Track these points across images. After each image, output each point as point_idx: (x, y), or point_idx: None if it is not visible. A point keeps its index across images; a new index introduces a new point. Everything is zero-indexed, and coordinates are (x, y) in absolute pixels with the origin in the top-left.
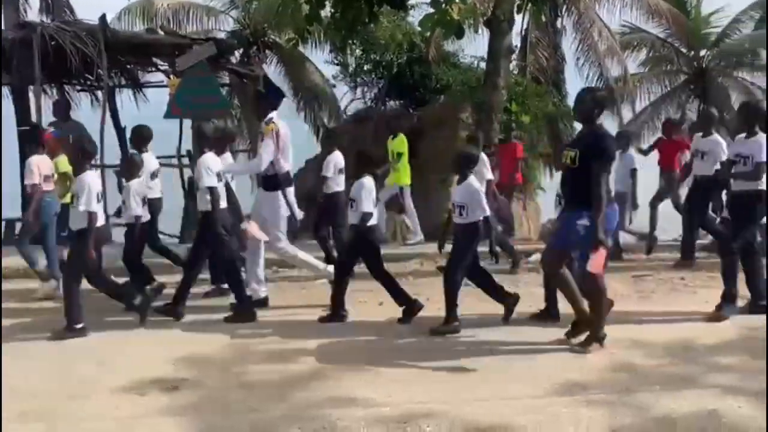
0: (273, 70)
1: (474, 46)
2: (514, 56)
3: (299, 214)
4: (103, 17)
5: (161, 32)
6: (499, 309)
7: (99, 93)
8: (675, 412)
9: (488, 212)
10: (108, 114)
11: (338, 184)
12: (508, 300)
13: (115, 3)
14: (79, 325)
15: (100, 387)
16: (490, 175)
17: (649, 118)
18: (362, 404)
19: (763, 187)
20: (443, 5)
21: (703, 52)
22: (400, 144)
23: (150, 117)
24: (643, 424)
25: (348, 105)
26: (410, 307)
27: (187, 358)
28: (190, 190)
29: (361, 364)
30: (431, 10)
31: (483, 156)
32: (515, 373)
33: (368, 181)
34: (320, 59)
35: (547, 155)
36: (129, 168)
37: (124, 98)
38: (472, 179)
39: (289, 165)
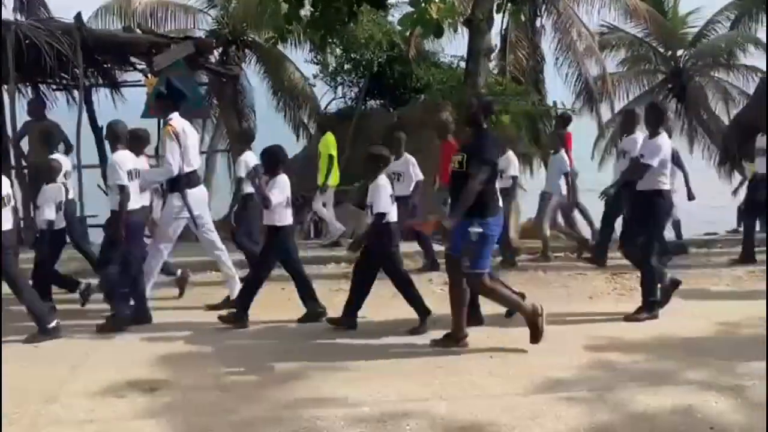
0: (252, 70)
1: (454, 46)
2: (493, 56)
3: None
4: (78, 15)
5: (138, 31)
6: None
7: (75, 92)
8: (652, 408)
9: (385, 210)
10: (85, 113)
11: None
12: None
13: (91, 1)
14: (51, 324)
15: (77, 390)
16: (420, 176)
17: None
18: (342, 404)
19: (662, 186)
20: (422, 4)
21: (680, 52)
22: (326, 144)
23: (127, 117)
24: (622, 420)
25: (328, 104)
26: (424, 313)
27: (165, 359)
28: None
29: (341, 364)
30: (411, 9)
31: (410, 157)
32: (495, 370)
33: (383, 180)
34: (300, 58)
35: (525, 155)
36: (48, 172)
37: (102, 97)
38: (381, 179)
39: (193, 165)
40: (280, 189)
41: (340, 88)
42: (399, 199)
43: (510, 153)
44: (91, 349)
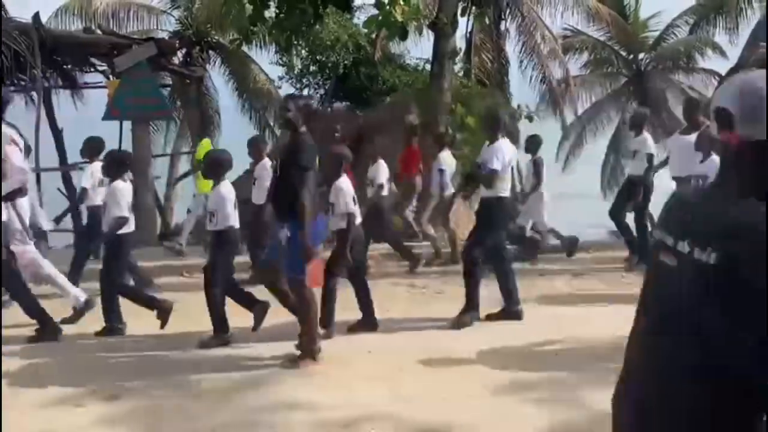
0: (217, 71)
1: (420, 48)
2: (459, 58)
3: (44, 223)
4: (36, 15)
5: (99, 32)
6: (443, 311)
7: (34, 93)
8: None
9: (233, 223)
10: (44, 115)
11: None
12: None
13: (50, 1)
14: None
15: (35, 399)
16: (381, 180)
17: (591, 119)
18: (306, 408)
19: (503, 193)
20: (387, 7)
21: (641, 55)
22: (201, 150)
23: (88, 119)
24: (589, 420)
25: None
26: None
27: (127, 366)
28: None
29: (306, 369)
30: (376, 12)
31: (382, 163)
32: (458, 372)
33: (343, 182)
34: (265, 60)
35: None
36: None
37: (62, 99)
38: (223, 185)
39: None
40: (117, 198)
41: (305, 90)
42: None
43: (381, 161)
44: (52, 357)
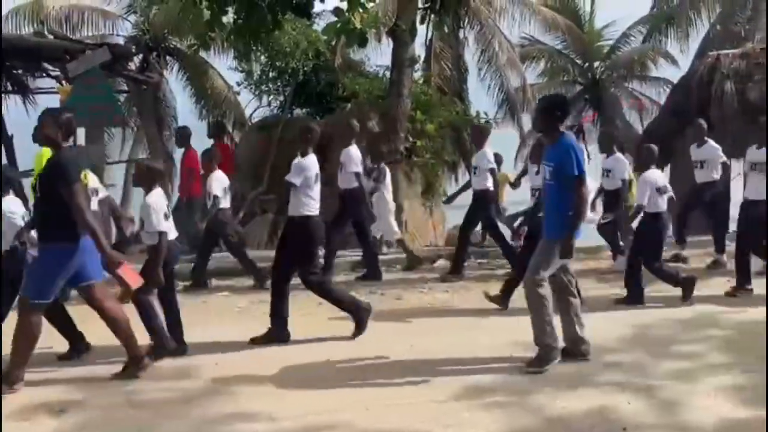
0: (175, 77)
1: (380, 55)
2: (418, 66)
3: None
4: None
5: (51, 36)
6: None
7: None
8: (568, 410)
9: (162, 228)
10: None
11: None
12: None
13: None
14: None
15: None
16: (215, 192)
17: None
18: (261, 418)
19: (309, 212)
20: (346, 14)
21: (596, 64)
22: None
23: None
24: (539, 424)
25: (253, 112)
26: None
27: (78, 379)
28: None
29: (259, 378)
30: (336, 19)
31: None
32: (417, 379)
33: (152, 197)
34: (224, 66)
35: (453, 163)
36: None
37: (12, 105)
38: (151, 194)
39: None
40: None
41: (265, 96)
42: None
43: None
44: None
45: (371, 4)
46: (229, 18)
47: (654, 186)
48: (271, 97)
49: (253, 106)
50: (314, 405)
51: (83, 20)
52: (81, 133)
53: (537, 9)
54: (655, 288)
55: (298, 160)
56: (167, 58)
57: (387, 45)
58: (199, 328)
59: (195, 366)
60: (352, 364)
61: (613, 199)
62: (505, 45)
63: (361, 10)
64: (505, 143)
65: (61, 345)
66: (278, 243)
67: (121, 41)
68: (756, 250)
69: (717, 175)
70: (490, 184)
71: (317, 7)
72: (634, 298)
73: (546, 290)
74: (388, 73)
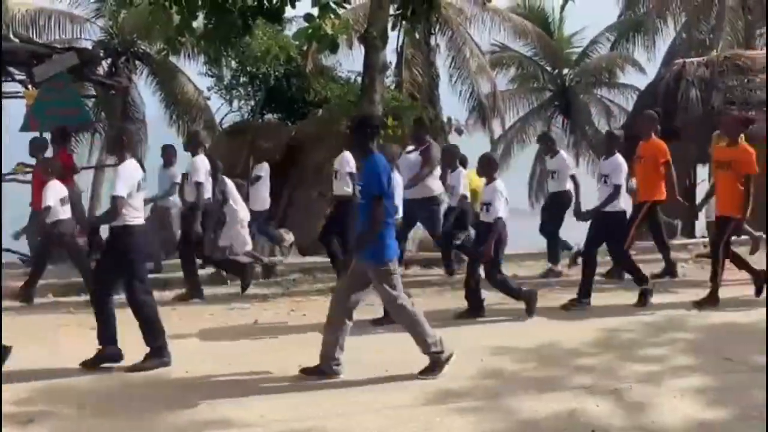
0: (144, 82)
1: (351, 61)
2: (390, 72)
3: None
4: None
5: (16, 39)
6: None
7: None
8: (539, 414)
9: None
10: None
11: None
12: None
13: None
14: None
15: None
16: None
17: (518, 133)
18: (234, 425)
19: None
20: (317, 20)
21: (565, 71)
22: None
23: (5, 129)
24: (510, 427)
25: (224, 118)
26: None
27: (46, 389)
28: None
29: (230, 386)
30: (306, 24)
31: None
32: (388, 384)
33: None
34: (194, 71)
35: None
36: None
37: None
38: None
39: None
40: None
41: (236, 101)
42: None
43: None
44: None
45: (342, 11)
46: (199, 23)
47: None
48: (242, 102)
49: (224, 112)
50: (286, 412)
51: (50, 24)
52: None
53: (507, 16)
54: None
55: (118, 168)
56: (136, 62)
57: (358, 51)
58: None
59: (166, 374)
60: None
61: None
62: (475, 52)
63: (332, 16)
64: (476, 148)
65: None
66: (99, 256)
67: (89, 45)
68: (618, 261)
69: (568, 185)
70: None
71: (288, 12)
72: (475, 310)
73: (407, 305)
74: (359, 79)
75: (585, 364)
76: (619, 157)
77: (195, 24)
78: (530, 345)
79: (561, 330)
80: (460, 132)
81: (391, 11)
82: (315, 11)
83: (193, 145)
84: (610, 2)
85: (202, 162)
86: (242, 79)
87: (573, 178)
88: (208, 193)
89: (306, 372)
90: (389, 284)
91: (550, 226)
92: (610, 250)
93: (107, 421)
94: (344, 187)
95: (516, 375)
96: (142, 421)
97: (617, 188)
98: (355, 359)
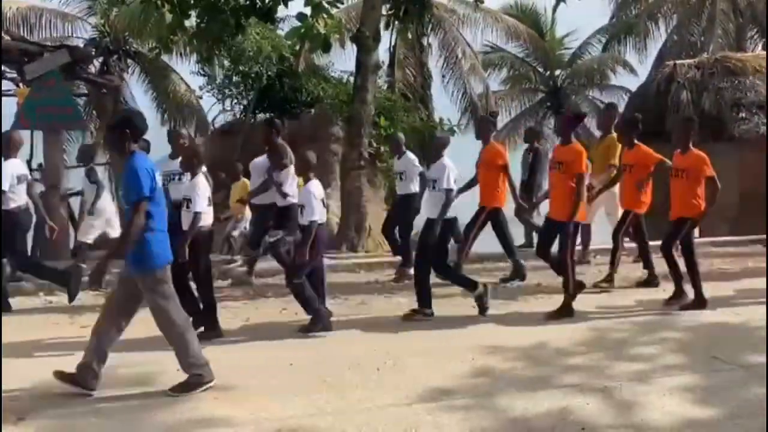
0: (136, 81)
1: (344, 61)
2: (382, 72)
3: None
4: None
5: (7, 37)
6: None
7: None
8: (529, 412)
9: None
10: None
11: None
12: None
13: None
14: None
15: None
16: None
17: (510, 133)
18: (224, 424)
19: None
20: (309, 19)
21: (557, 72)
22: None
23: None
24: (500, 426)
25: (216, 117)
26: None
27: (37, 386)
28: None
29: (221, 385)
30: (299, 23)
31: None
32: (380, 383)
33: None
34: (186, 70)
35: None
36: None
37: None
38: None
39: None
40: None
41: (228, 100)
42: None
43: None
44: None
45: (335, 10)
46: (191, 22)
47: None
48: (234, 101)
49: (216, 111)
50: (276, 411)
51: (42, 22)
52: (39, 136)
53: (499, 17)
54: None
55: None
56: (128, 61)
57: (351, 50)
58: None
59: (157, 373)
60: (314, 369)
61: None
62: (468, 52)
63: (325, 16)
64: (468, 149)
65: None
66: None
67: (80, 43)
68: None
69: (416, 187)
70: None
71: (281, 11)
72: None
73: (177, 319)
74: (352, 79)
75: (575, 363)
76: (445, 161)
77: (187, 23)
78: (520, 344)
79: (551, 329)
80: (452, 132)
81: (384, 11)
82: (308, 10)
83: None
84: (602, 4)
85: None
86: (234, 79)
87: (422, 176)
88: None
89: (61, 378)
90: (157, 293)
91: (401, 230)
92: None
93: (99, 420)
94: (411, 186)
95: (506, 374)
96: (133, 419)
97: (449, 192)
98: (344, 358)
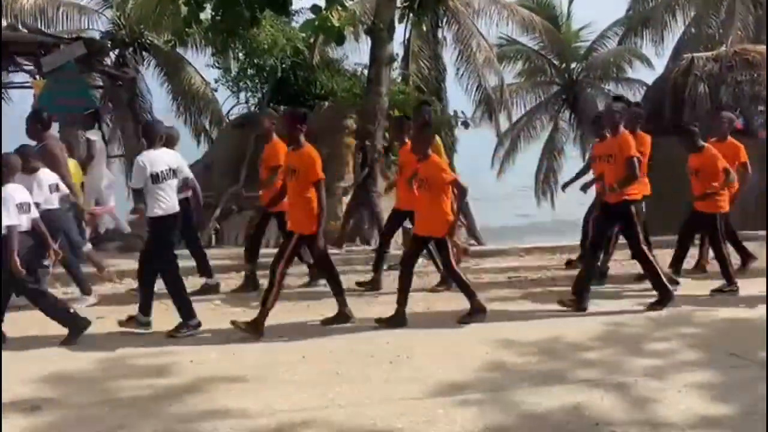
0: (151, 73)
1: (358, 54)
2: (396, 64)
3: None
4: None
5: (24, 30)
6: (376, 312)
7: None
8: (543, 407)
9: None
10: None
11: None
12: None
13: None
14: None
15: None
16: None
17: (524, 126)
18: (237, 415)
19: None
20: (323, 12)
21: (573, 65)
22: None
23: (13, 119)
24: (514, 420)
25: (230, 110)
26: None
27: (52, 376)
28: None
29: (234, 376)
30: (313, 16)
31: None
32: (393, 376)
33: (9, 188)
34: (201, 62)
35: None
36: None
37: None
38: (8, 187)
39: None
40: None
41: (243, 93)
42: None
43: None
44: None
45: (349, 2)
46: (206, 14)
47: None
48: (249, 94)
49: (231, 104)
50: (289, 402)
51: (58, 14)
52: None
53: (514, 9)
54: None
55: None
56: (143, 54)
57: (365, 43)
58: None
59: (170, 364)
60: (327, 361)
61: None
62: (482, 45)
63: (339, 8)
64: (482, 143)
65: None
66: None
67: (96, 36)
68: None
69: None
70: None
71: (295, 4)
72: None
73: None
74: (366, 72)
75: (590, 358)
76: None
77: (202, 15)
78: (535, 339)
79: (565, 324)
80: (466, 125)
81: (399, 3)
82: (322, 3)
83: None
84: None
85: None
86: (249, 71)
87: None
88: None
89: None
90: None
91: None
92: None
93: (113, 410)
94: None
95: (520, 368)
96: (147, 409)
97: None
98: (358, 351)
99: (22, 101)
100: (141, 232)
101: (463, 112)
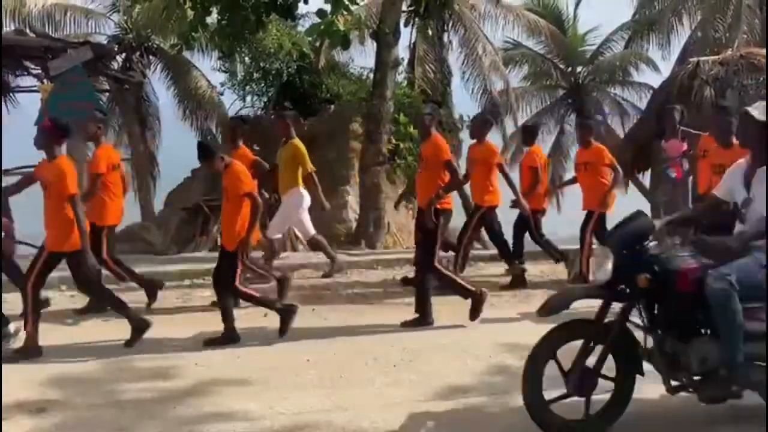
0: (157, 77)
1: (363, 58)
2: (402, 68)
3: None
4: None
5: (32, 34)
6: (381, 318)
7: None
8: None
9: None
10: None
11: None
12: None
13: None
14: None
15: None
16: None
17: None
18: (241, 417)
19: None
20: (330, 15)
21: (579, 68)
22: None
23: (21, 123)
24: (517, 424)
25: (237, 113)
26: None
27: (57, 378)
28: None
29: (238, 378)
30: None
31: None
32: (397, 379)
33: None
34: (207, 66)
35: None
36: None
37: None
38: None
39: None
40: None
41: (249, 97)
42: None
43: None
44: None
45: (355, 7)
46: (212, 18)
47: None
48: (255, 98)
49: (237, 107)
50: (293, 405)
51: (66, 19)
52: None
53: (520, 13)
54: None
55: None
56: (150, 57)
57: (371, 47)
58: None
59: (175, 366)
60: (331, 364)
61: None
62: (488, 49)
63: (344, 12)
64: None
65: None
66: None
67: (103, 40)
68: None
69: None
70: None
71: (301, 8)
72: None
73: None
74: (371, 76)
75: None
76: None
77: (209, 19)
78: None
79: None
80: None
81: (404, 8)
82: (327, 7)
83: None
84: (625, 0)
85: None
86: (255, 75)
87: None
88: None
89: None
90: None
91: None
92: None
93: (117, 412)
94: None
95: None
96: (151, 411)
97: None
98: (362, 354)
99: (29, 105)
100: None
101: (468, 116)
